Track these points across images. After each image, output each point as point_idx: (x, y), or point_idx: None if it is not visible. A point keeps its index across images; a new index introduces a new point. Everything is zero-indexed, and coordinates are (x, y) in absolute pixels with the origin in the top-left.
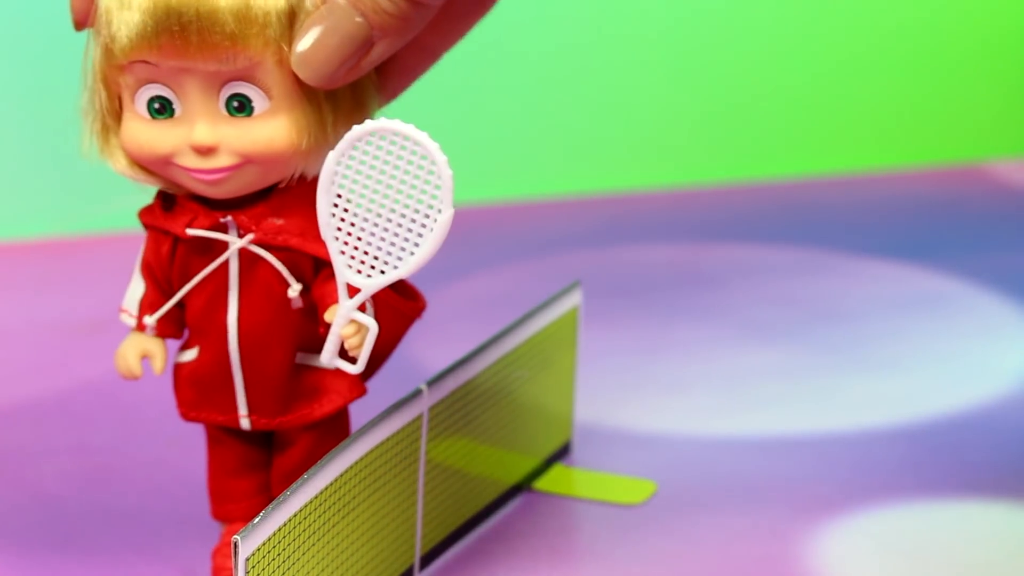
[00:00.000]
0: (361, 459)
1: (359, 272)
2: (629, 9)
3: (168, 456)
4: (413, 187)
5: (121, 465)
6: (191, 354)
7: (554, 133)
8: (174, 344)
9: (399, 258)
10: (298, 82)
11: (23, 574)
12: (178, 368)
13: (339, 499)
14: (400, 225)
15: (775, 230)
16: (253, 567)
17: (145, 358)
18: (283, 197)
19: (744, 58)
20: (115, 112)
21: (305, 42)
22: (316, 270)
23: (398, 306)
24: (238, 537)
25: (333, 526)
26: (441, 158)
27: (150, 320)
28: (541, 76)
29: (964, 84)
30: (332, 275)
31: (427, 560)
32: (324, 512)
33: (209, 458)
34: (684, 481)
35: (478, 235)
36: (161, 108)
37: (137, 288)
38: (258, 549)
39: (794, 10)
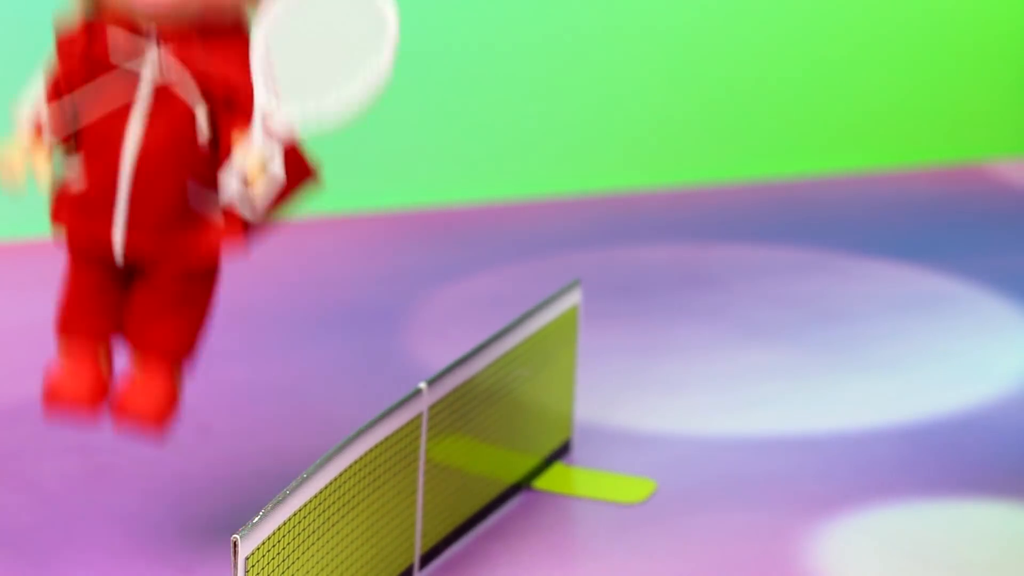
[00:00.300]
0: (361, 458)
1: (279, 99)
2: (629, 8)
3: (168, 456)
4: (358, 24)
5: (121, 465)
6: (75, 169)
7: (553, 133)
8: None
9: (325, 92)
10: None
11: (23, 574)
12: (61, 186)
13: (339, 498)
14: (333, 61)
15: (775, 230)
16: (252, 567)
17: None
18: (213, 29)
19: (744, 57)
20: None
21: None
22: (227, 106)
23: (301, 156)
24: (237, 536)
25: (333, 525)
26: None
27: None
28: (540, 75)
29: (964, 84)
30: (240, 110)
31: (427, 559)
32: (324, 511)
33: (65, 274)
34: (684, 481)
35: (478, 235)
36: None
37: (36, 96)
38: (257, 548)
39: (794, 9)
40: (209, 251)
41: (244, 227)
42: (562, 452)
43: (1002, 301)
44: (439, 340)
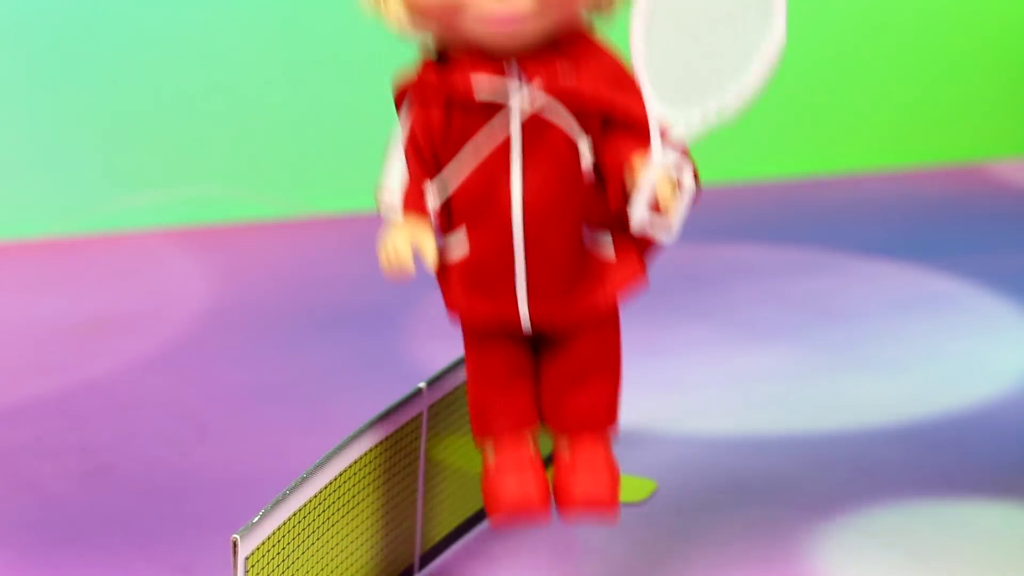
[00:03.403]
0: (361, 458)
1: (675, 106)
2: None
3: (168, 456)
4: (739, 2)
5: (121, 465)
6: (460, 244)
7: None
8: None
9: (720, 87)
10: None
11: (23, 574)
12: (447, 266)
13: (339, 498)
14: (724, 46)
15: (775, 230)
16: (253, 566)
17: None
18: (570, 47)
19: None
20: None
21: None
22: (604, 131)
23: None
24: (237, 536)
25: (333, 525)
26: None
27: (432, 200)
28: None
29: (964, 84)
30: (624, 130)
31: (427, 559)
32: (324, 511)
33: (471, 373)
34: (684, 481)
35: None
36: None
37: (396, 170)
38: (258, 548)
39: (793, 10)
40: (614, 298)
41: (641, 260)
42: None
43: (1002, 301)
44: (439, 340)
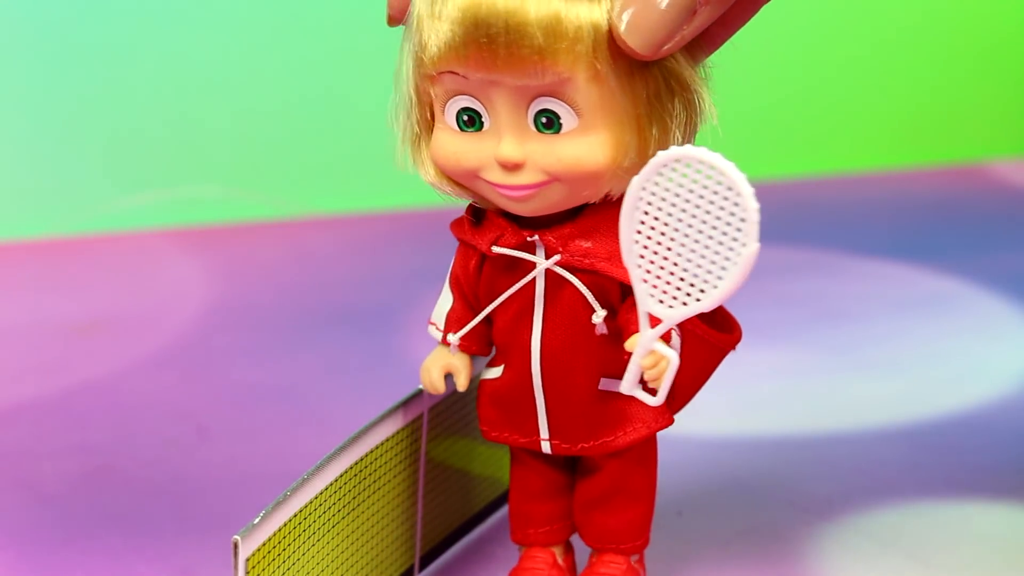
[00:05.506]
0: (361, 459)
1: (661, 302)
2: None
3: (168, 456)
4: (717, 218)
5: (121, 465)
6: (496, 372)
7: None
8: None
9: (701, 291)
10: (610, 102)
11: (23, 574)
12: (482, 385)
13: (339, 499)
14: (704, 256)
15: (776, 230)
16: (253, 567)
17: (449, 373)
18: (591, 219)
19: (744, 59)
20: (426, 122)
21: (632, 9)
22: (623, 295)
23: (708, 338)
24: (238, 537)
25: (333, 526)
26: (747, 190)
27: (453, 339)
28: None
29: (964, 84)
30: (630, 306)
31: (427, 560)
32: (324, 512)
33: (512, 479)
34: (684, 481)
35: None
36: (470, 121)
37: (445, 302)
38: (258, 549)
39: (794, 11)
40: (634, 435)
41: (666, 406)
42: None
43: (1002, 301)
44: None
